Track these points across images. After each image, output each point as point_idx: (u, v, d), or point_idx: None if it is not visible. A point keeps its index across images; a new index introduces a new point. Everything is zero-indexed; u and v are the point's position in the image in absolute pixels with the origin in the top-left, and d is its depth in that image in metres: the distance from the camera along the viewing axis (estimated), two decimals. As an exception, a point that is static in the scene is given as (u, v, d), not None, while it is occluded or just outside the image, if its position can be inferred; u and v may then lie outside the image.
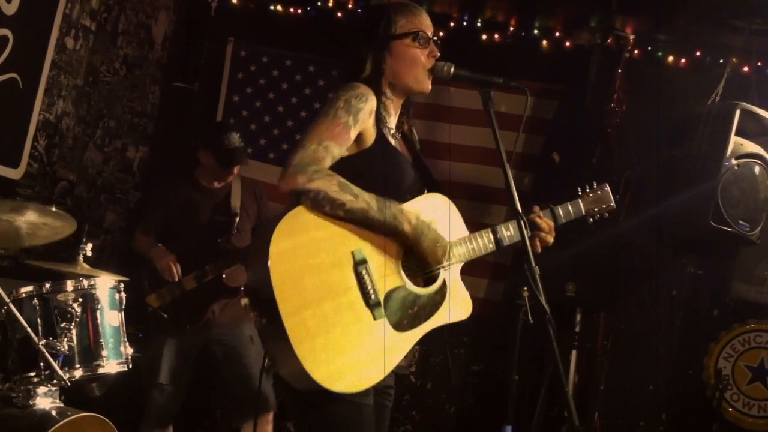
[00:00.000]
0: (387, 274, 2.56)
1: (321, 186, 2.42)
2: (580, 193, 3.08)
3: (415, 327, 2.59)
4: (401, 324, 2.55)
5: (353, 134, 2.57)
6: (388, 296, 2.54)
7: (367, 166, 2.59)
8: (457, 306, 2.73)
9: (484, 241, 2.78)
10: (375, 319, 2.49)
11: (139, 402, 4.49)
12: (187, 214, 4.59)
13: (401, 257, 2.61)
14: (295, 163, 2.44)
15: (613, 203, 3.13)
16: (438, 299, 2.68)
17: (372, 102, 2.63)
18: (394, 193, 2.64)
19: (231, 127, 4.75)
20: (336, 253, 2.46)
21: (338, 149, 2.52)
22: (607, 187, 3.14)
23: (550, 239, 2.88)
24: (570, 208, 3.04)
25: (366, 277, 2.49)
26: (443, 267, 2.67)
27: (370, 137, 2.65)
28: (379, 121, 2.71)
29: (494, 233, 2.80)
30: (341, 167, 2.53)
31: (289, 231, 2.39)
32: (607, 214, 3.14)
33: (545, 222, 2.87)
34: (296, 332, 2.32)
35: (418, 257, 2.63)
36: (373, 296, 2.49)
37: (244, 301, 2.44)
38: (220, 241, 4.50)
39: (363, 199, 2.48)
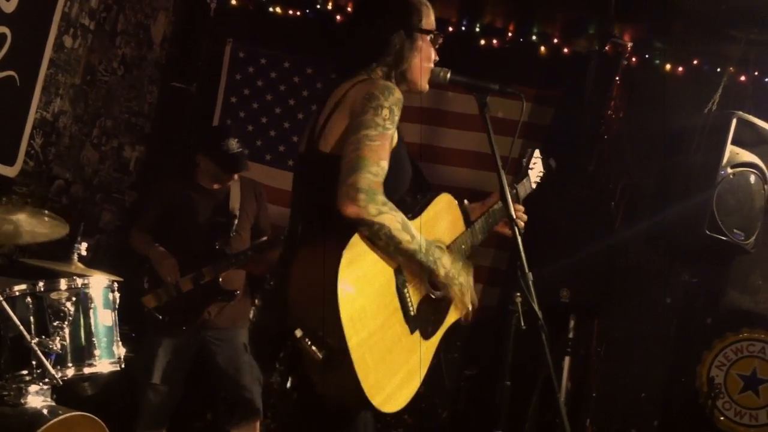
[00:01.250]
0: (417, 286, 2.58)
1: (387, 222, 2.38)
2: (526, 165, 3.23)
3: (437, 332, 2.65)
4: (427, 331, 2.59)
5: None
6: (419, 308, 2.57)
7: (393, 169, 2.53)
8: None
9: (472, 238, 2.89)
10: (411, 333, 2.51)
11: (132, 402, 4.48)
12: (186, 214, 4.57)
13: None
14: (366, 190, 2.35)
15: (542, 170, 3.39)
16: (447, 300, 2.72)
17: (402, 104, 2.58)
18: (406, 191, 2.67)
19: (230, 133, 4.69)
20: (384, 276, 2.46)
21: (387, 165, 2.47)
22: (538, 152, 3.38)
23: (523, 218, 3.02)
24: (526, 183, 3.31)
25: (406, 294, 2.51)
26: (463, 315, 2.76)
27: (394, 140, 2.61)
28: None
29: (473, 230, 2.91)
30: None
31: (352, 262, 2.34)
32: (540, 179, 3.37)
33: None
34: (362, 365, 2.30)
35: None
36: (411, 311, 2.51)
37: (299, 333, 2.34)
38: (218, 245, 4.49)
39: (417, 242, 2.46)
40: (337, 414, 2.45)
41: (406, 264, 2.52)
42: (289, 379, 2.61)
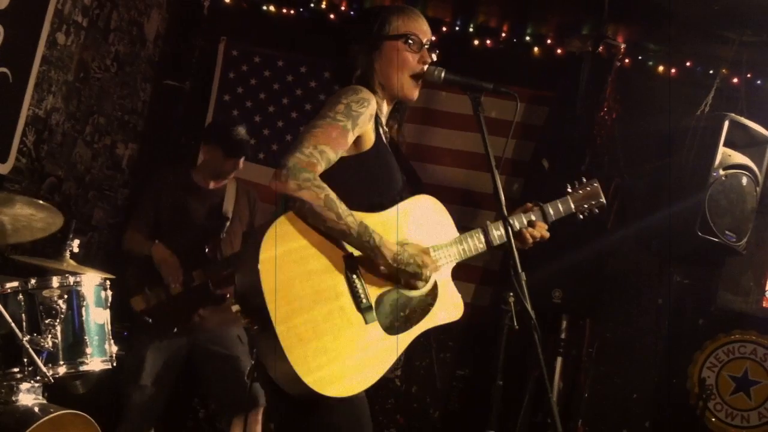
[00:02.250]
0: (376, 278, 2.56)
1: (308, 197, 2.39)
2: (569, 190, 3.11)
3: (407, 329, 2.60)
4: (393, 327, 2.56)
5: (351, 139, 2.55)
6: (380, 300, 2.55)
7: (364, 169, 2.59)
8: (449, 307, 2.75)
9: (474, 242, 2.81)
10: (366, 323, 2.49)
11: (119, 400, 4.46)
12: (178, 215, 4.54)
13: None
14: (290, 166, 2.39)
15: (603, 199, 3.16)
16: (430, 301, 2.69)
17: (373, 106, 2.61)
18: (388, 195, 2.66)
19: (238, 122, 4.73)
20: (327, 259, 2.47)
21: (334, 154, 2.49)
22: (597, 183, 3.16)
23: (546, 234, 2.92)
24: (560, 205, 3.07)
25: (357, 281, 2.49)
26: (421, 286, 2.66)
27: (369, 141, 2.64)
28: (378, 124, 2.72)
29: (484, 233, 2.82)
30: (339, 169, 2.53)
31: (279, 237, 2.38)
32: (597, 210, 3.16)
33: (540, 225, 2.92)
34: (288, 338, 2.32)
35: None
36: (364, 300, 2.49)
37: (235, 308, 2.41)
38: (207, 249, 4.47)
39: (344, 222, 2.44)
40: (303, 402, 2.44)
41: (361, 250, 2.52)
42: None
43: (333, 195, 2.44)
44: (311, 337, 2.36)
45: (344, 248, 2.50)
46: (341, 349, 2.42)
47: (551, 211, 3.02)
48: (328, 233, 2.46)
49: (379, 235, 2.51)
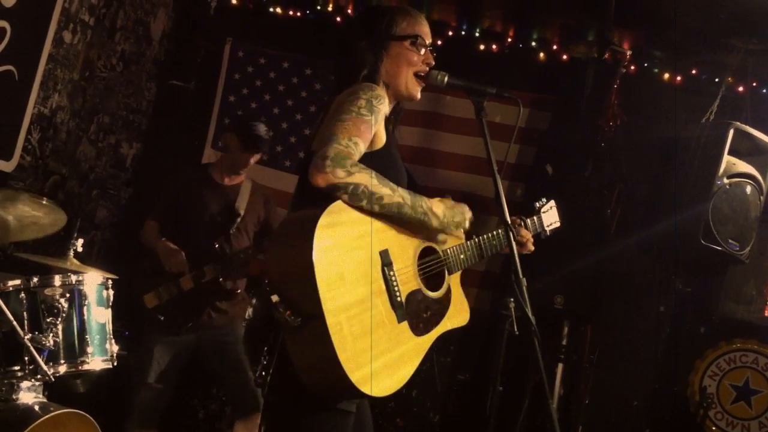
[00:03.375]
0: (406, 277, 2.56)
1: (360, 180, 2.39)
2: (544, 210, 3.23)
3: (428, 331, 2.62)
4: (418, 327, 2.57)
5: (372, 134, 2.56)
6: (408, 299, 2.55)
7: (378, 168, 2.55)
8: (460, 312, 2.79)
9: (473, 252, 2.87)
10: (398, 322, 2.49)
11: (124, 398, 4.47)
12: (193, 210, 4.57)
13: (417, 259, 2.64)
14: (332, 157, 2.37)
15: (559, 221, 3.30)
16: (445, 304, 2.72)
17: (386, 104, 2.64)
18: None
19: (262, 120, 4.77)
20: (367, 253, 2.44)
21: (363, 147, 2.50)
22: (554, 204, 3.31)
23: (531, 247, 3.06)
24: (536, 222, 3.25)
25: (392, 278, 2.49)
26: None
27: (381, 140, 2.66)
28: (388, 123, 2.74)
29: (478, 246, 2.91)
30: None
31: (330, 226, 2.33)
32: (554, 231, 3.33)
33: (525, 234, 3.06)
34: (336, 331, 2.26)
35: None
36: (398, 298, 2.49)
37: (275, 298, 2.30)
38: (217, 244, 4.48)
39: (399, 194, 2.49)
40: (318, 407, 2.40)
41: (393, 238, 2.53)
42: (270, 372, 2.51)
43: (379, 174, 2.46)
44: (358, 333, 2.32)
45: (379, 243, 2.48)
46: (380, 347, 2.39)
47: (530, 227, 3.19)
48: (383, 210, 2.46)
49: (428, 201, 2.59)
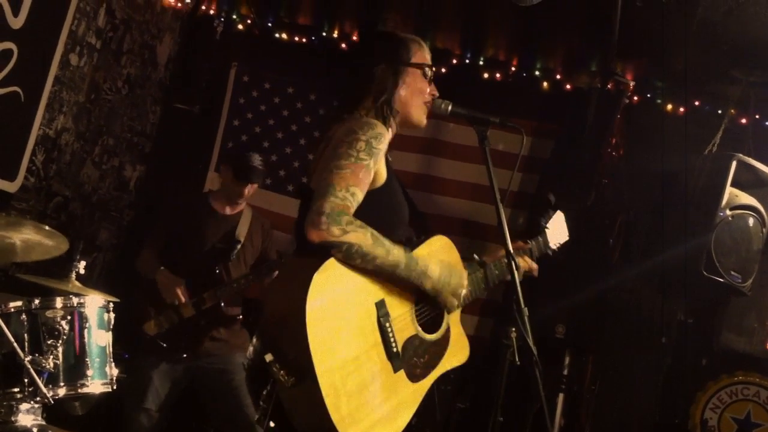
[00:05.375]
0: (403, 324, 2.55)
1: (355, 240, 2.38)
2: (544, 225, 3.21)
3: (426, 375, 2.62)
4: (415, 374, 2.56)
5: (372, 176, 2.55)
6: (405, 346, 2.54)
7: (377, 205, 2.57)
8: (459, 351, 2.80)
9: (475, 287, 2.90)
10: (395, 371, 2.48)
11: (120, 423, 4.43)
12: (193, 237, 4.56)
13: (414, 304, 2.63)
14: (328, 213, 2.37)
15: (567, 234, 3.27)
16: (443, 345, 2.71)
17: (387, 140, 2.62)
18: (399, 230, 2.67)
19: (257, 149, 4.77)
20: (363, 306, 2.43)
21: (362, 195, 2.48)
22: (562, 216, 3.28)
23: (535, 266, 3.08)
24: (541, 241, 3.24)
25: (388, 328, 2.47)
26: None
27: (382, 176, 2.64)
28: (387, 158, 2.72)
29: (485, 279, 2.94)
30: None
31: (322, 287, 2.32)
32: (562, 246, 3.32)
33: (524, 260, 3.06)
34: (329, 392, 2.25)
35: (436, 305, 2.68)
36: (394, 348, 2.48)
37: (269, 357, 2.29)
38: (217, 270, 4.48)
39: (393, 255, 2.46)
40: None
41: (388, 287, 2.51)
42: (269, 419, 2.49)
43: (375, 232, 2.44)
44: (350, 391, 2.31)
45: (375, 294, 2.48)
46: (375, 400, 2.39)
47: (535, 249, 3.18)
48: (377, 269, 2.44)
49: (423, 262, 2.56)
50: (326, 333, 2.28)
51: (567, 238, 3.33)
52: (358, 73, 2.77)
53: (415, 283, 2.54)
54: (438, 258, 2.65)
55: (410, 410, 2.51)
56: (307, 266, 2.34)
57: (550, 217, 3.28)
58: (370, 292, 2.46)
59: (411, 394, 2.52)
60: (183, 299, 4.35)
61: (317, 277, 2.30)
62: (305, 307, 2.24)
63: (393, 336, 2.48)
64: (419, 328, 2.61)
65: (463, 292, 2.68)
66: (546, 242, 3.25)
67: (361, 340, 2.39)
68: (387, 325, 2.46)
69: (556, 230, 3.30)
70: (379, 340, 2.44)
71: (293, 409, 2.35)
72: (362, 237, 2.39)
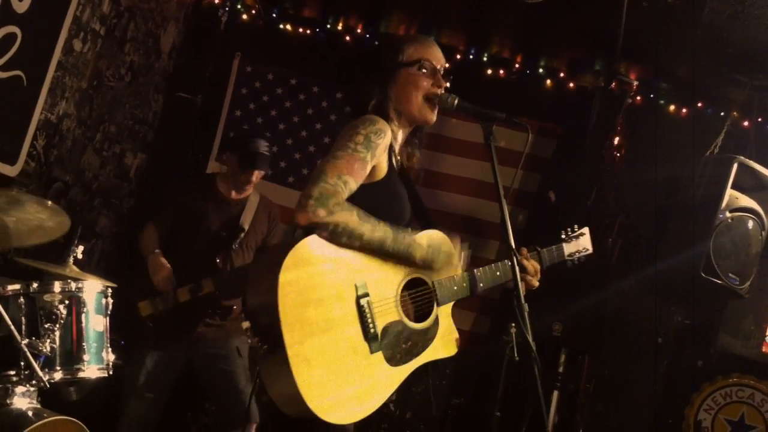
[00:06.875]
0: (385, 308, 2.58)
1: (341, 219, 2.45)
2: (564, 237, 3.17)
3: (407, 362, 2.63)
4: (394, 358, 2.58)
5: (368, 169, 2.61)
6: (385, 330, 2.57)
7: (375, 199, 2.63)
8: (447, 343, 2.78)
9: (466, 284, 2.87)
10: (371, 352, 2.52)
11: (116, 409, 4.44)
12: (196, 223, 4.54)
13: (400, 291, 2.64)
14: (316, 196, 2.44)
15: (590, 248, 3.23)
16: (431, 335, 2.72)
17: (388, 137, 2.67)
18: (398, 223, 2.68)
19: (261, 136, 4.76)
20: (340, 286, 2.49)
21: (355, 184, 2.55)
22: (587, 231, 3.22)
23: (536, 282, 2.98)
24: (555, 251, 3.17)
25: (367, 310, 2.52)
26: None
27: (382, 171, 2.70)
28: (391, 153, 2.77)
29: (472, 282, 2.87)
30: (351, 198, 2.55)
31: (297, 262, 2.40)
32: (583, 259, 3.24)
33: (532, 265, 2.97)
34: (298, 362, 2.33)
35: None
36: (372, 330, 2.52)
37: (246, 324, 2.44)
38: (218, 259, 4.46)
39: (381, 228, 2.53)
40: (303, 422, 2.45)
41: (372, 270, 2.55)
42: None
43: (363, 211, 2.50)
44: (320, 363, 2.38)
45: (356, 276, 2.52)
46: (345, 376, 2.44)
47: (546, 257, 3.11)
48: (364, 245, 2.51)
49: (411, 235, 2.61)
50: (298, 304, 2.37)
51: (590, 251, 3.30)
52: (355, 86, 2.87)
53: (405, 256, 2.59)
54: (428, 236, 2.70)
55: (384, 393, 2.54)
56: (293, 243, 2.43)
57: (575, 231, 3.25)
58: (351, 273, 2.52)
59: (387, 378, 2.55)
60: (164, 287, 4.32)
61: (296, 249, 2.40)
62: (279, 275, 2.34)
63: (372, 318, 2.52)
64: (403, 315, 2.63)
65: (459, 263, 2.75)
66: (561, 253, 3.20)
67: (336, 316, 2.45)
68: (365, 305, 2.51)
69: (578, 243, 3.26)
70: (357, 319, 2.50)
71: (268, 379, 2.44)
72: (348, 216, 2.46)
